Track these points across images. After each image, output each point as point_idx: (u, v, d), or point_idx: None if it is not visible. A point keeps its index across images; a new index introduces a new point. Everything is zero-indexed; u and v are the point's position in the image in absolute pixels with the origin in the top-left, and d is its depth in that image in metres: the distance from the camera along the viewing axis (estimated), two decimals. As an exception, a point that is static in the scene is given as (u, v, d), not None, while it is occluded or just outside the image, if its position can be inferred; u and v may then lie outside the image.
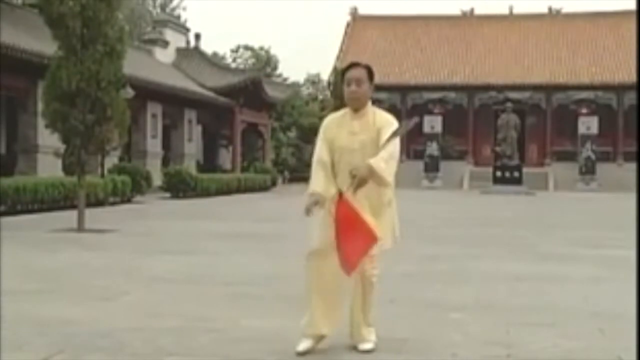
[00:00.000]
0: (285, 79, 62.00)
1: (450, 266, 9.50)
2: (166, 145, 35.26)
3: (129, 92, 22.55)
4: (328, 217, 4.82)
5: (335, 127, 4.98)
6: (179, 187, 28.82)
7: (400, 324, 5.77)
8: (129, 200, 23.73)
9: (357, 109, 4.95)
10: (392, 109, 49.87)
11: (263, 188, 37.63)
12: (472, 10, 54.78)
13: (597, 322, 5.98)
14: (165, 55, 40.61)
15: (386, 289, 7.64)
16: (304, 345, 4.85)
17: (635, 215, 16.90)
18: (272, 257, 10.25)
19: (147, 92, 29.54)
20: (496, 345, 5.14)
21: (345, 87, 4.93)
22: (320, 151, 4.97)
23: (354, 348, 4.96)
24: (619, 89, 47.31)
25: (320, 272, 4.85)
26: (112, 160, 25.46)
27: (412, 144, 48.19)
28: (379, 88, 48.49)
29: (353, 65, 5.00)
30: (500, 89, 48.15)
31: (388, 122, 4.89)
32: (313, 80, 65.08)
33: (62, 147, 15.25)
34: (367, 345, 4.95)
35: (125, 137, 17.32)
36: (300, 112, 54.05)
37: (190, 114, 37.22)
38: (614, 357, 4.90)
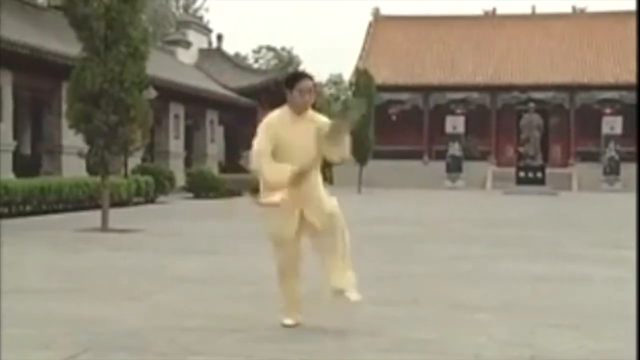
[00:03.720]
0: (308, 80, 61.89)
1: (473, 267, 9.47)
2: (188, 145, 35.38)
3: (152, 93, 22.59)
4: (288, 205, 5.33)
5: (278, 125, 5.49)
6: (201, 187, 28.94)
7: (424, 324, 5.77)
8: (152, 201, 23.85)
9: (302, 112, 5.62)
10: (414, 110, 49.94)
11: (285, 188, 37.54)
12: (494, 10, 54.46)
13: (623, 323, 5.93)
14: (187, 56, 40.76)
15: (409, 289, 7.66)
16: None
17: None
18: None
19: (169, 93, 29.65)
20: (520, 346, 5.13)
21: (297, 95, 5.56)
22: (262, 142, 5.41)
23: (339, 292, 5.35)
24: (644, 88, 46.81)
25: (292, 256, 5.63)
26: (135, 160, 25.58)
27: (434, 144, 48.00)
28: (401, 88, 48.64)
29: (305, 76, 5.75)
30: (523, 89, 47.82)
31: (325, 121, 5.70)
32: (335, 81, 65.01)
33: (85, 148, 15.34)
34: (355, 296, 5.36)
35: (148, 137, 17.37)
36: (322, 113, 54.07)
37: (212, 115, 37.33)
38: (639, 358, 4.86)
